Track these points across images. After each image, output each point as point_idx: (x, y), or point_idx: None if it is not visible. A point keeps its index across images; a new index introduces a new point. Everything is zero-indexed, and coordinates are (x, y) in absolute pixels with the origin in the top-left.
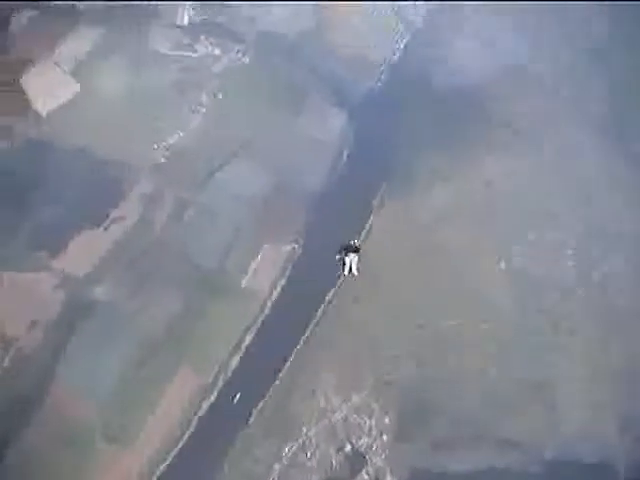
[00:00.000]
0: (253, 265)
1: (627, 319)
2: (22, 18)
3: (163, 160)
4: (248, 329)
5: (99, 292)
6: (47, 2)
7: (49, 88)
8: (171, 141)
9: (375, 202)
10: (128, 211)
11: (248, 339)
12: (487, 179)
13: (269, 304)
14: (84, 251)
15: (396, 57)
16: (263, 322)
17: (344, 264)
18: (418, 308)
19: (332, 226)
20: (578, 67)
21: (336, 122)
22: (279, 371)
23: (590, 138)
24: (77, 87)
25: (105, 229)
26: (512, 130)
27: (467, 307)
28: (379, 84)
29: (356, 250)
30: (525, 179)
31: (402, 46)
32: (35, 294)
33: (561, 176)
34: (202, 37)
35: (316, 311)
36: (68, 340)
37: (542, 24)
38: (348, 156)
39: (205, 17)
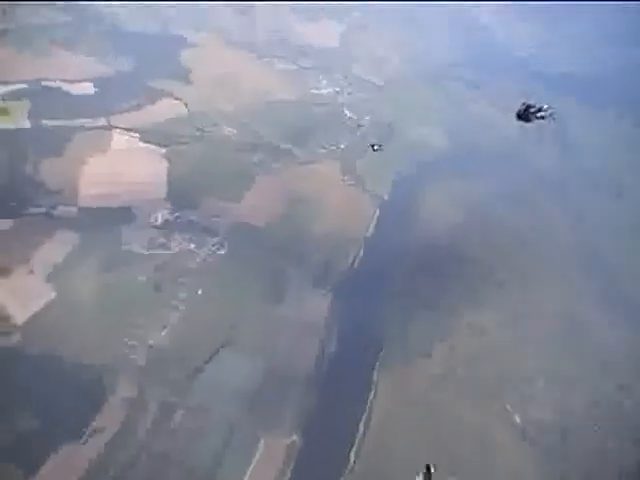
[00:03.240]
0: (252, 464)
1: None
2: None
3: (144, 362)
4: None
5: None
6: (22, 211)
7: (24, 297)
8: (151, 341)
9: (373, 377)
10: (109, 420)
11: None
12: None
13: None
14: (63, 469)
15: (370, 230)
16: None
17: None
18: None
19: (331, 411)
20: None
21: (320, 303)
22: None
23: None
24: (52, 294)
25: (85, 442)
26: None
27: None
28: (357, 259)
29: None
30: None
31: (375, 218)
32: None
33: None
34: (176, 234)
35: None
36: None
37: None
38: (337, 335)
39: (178, 215)
